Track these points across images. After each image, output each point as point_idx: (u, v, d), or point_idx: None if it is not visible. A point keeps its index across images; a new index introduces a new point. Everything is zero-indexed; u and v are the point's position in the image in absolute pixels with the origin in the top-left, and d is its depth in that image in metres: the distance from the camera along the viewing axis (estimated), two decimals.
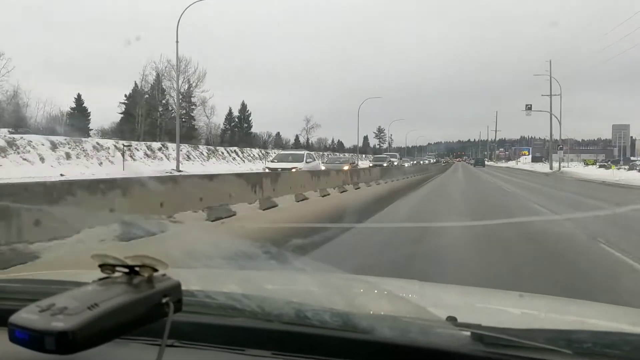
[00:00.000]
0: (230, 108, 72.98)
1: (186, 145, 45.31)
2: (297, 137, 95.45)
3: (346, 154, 71.43)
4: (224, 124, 72.32)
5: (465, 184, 24.58)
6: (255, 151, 55.67)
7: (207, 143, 59.44)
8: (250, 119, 75.68)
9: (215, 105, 66.75)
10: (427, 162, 68.07)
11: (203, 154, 46.09)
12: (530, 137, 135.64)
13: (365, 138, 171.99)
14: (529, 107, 49.85)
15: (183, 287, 0.84)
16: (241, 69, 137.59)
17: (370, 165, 40.15)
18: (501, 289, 2.23)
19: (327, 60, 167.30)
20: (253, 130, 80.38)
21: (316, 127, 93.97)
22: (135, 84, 52.90)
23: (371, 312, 1.05)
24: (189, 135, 56.06)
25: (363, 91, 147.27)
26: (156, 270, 0.82)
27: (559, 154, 44.79)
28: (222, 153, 48.50)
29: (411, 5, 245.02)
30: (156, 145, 41.52)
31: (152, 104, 51.68)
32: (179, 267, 1.39)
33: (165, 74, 52.96)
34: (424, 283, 1.76)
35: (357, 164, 30.66)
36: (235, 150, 53.50)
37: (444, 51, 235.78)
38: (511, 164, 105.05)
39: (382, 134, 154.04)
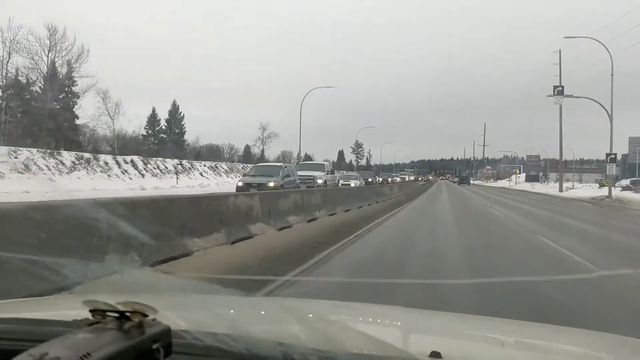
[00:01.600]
0: (154, 109, 55.33)
1: (35, 150, 27.35)
2: (247, 148, 77.99)
3: None
4: (145, 129, 54.42)
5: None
6: (172, 162, 37.79)
7: (112, 150, 41.74)
8: (183, 124, 58.13)
9: (125, 103, 48.92)
10: (397, 180, 50.38)
11: (63, 164, 32.27)
12: (513, 156, 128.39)
13: (341, 153, 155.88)
14: (559, 91, 33.41)
15: (172, 326, 0.88)
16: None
17: (239, 184, 21.92)
18: (488, 316, 2.22)
19: (306, 75, 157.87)
20: (204, 141, 62.83)
21: (273, 136, 76.67)
22: None
23: (355, 352, 1.09)
24: (69, 137, 38.11)
25: (343, 109, 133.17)
26: (146, 316, 0.84)
27: (610, 170, 27.87)
28: (106, 164, 35.58)
29: (393, 24, 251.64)
30: None
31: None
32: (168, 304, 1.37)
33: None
34: (407, 310, 1.80)
35: None
36: (132, 161, 35.44)
37: (427, 70, 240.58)
38: (502, 183, 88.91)
39: (359, 149, 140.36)
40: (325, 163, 34.29)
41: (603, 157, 33.10)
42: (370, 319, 1.55)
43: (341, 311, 1.68)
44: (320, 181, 25.83)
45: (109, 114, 47.92)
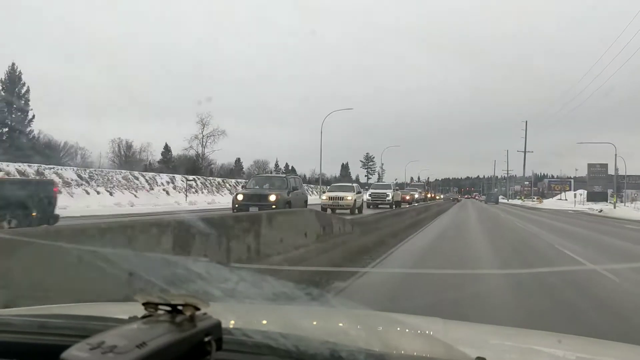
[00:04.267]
0: None
1: None
2: (166, 149, 51.11)
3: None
4: None
5: None
6: None
7: None
8: (24, 94, 30.29)
9: None
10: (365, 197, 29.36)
11: None
12: (542, 174, 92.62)
13: (345, 167, 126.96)
14: None
15: (223, 322, 0.91)
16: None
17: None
18: (529, 328, 2.21)
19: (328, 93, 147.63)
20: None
21: (219, 134, 49.76)
22: None
23: (404, 353, 1.11)
24: None
25: (364, 127, 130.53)
26: (198, 309, 0.87)
27: None
28: None
29: (419, 43, 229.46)
30: None
31: None
32: (219, 302, 1.47)
33: None
34: (446, 321, 1.79)
35: None
36: None
37: (453, 87, 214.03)
38: (554, 203, 59.23)
39: (370, 163, 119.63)
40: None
41: None
42: (413, 329, 1.59)
43: (387, 319, 1.77)
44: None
45: None
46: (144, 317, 0.85)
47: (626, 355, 1.46)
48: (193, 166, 52.39)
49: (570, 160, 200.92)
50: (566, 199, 68.01)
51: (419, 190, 51.40)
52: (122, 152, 55.33)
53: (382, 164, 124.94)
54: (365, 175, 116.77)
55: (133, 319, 0.85)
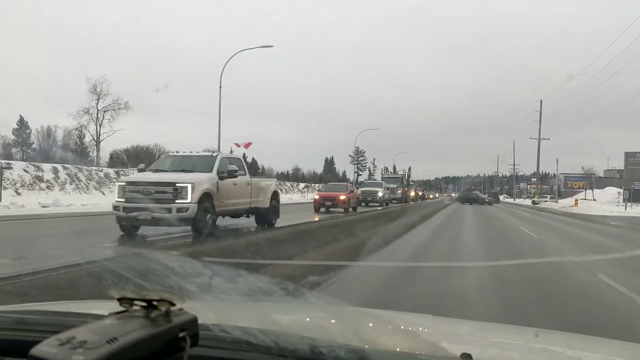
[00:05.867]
0: None
1: None
2: (20, 123, 36.35)
3: None
4: None
5: None
6: None
7: None
8: None
9: None
10: None
11: None
12: (546, 172, 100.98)
13: (329, 161, 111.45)
14: None
15: (199, 321, 0.91)
16: None
17: None
18: (517, 325, 2.28)
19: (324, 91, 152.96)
20: None
21: (120, 109, 32.33)
22: None
23: (386, 349, 1.11)
24: None
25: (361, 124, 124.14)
26: (174, 305, 0.86)
27: None
28: None
29: (414, 40, 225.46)
30: None
31: None
32: (197, 299, 1.49)
33: None
34: (437, 318, 1.85)
35: None
36: None
37: (451, 85, 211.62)
38: (581, 205, 43.70)
39: (360, 158, 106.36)
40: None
41: None
42: (400, 324, 1.59)
43: (372, 316, 1.78)
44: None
45: None
46: (119, 312, 0.83)
47: (612, 351, 1.49)
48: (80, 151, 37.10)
49: (572, 160, 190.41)
50: (594, 199, 52.76)
51: (392, 187, 35.34)
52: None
53: (374, 159, 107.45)
54: (355, 172, 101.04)
55: (110, 316, 0.84)
